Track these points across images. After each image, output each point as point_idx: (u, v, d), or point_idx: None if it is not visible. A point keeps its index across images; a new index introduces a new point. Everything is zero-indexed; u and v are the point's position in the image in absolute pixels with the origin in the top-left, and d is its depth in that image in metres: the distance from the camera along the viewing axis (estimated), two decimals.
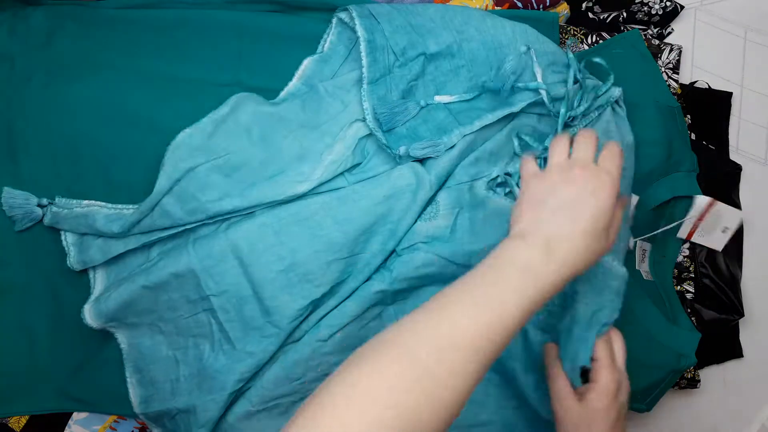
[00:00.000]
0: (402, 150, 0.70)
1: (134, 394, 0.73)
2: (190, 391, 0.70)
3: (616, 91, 0.73)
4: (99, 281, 0.75)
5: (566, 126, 0.74)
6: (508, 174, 0.73)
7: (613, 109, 0.75)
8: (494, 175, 0.72)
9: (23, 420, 0.77)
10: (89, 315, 0.71)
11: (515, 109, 0.70)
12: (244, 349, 0.69)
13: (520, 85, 0.71)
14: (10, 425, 0.77)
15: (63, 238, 0.74)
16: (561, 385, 0.60)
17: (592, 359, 0.61)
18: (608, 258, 0.63)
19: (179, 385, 0.71)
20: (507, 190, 0.73)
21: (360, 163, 0.73)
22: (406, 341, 0.43)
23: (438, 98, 0.73)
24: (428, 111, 0.73)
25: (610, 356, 0.60)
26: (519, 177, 0.71)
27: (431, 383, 0.41)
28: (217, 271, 0.69)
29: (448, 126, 0.71)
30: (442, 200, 0.71)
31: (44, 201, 0.75)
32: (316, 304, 0.69)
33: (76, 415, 0.77)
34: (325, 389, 0.42)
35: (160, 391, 0.72)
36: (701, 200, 0.80)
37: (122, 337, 0.74)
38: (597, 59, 0.73)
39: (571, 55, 0.73)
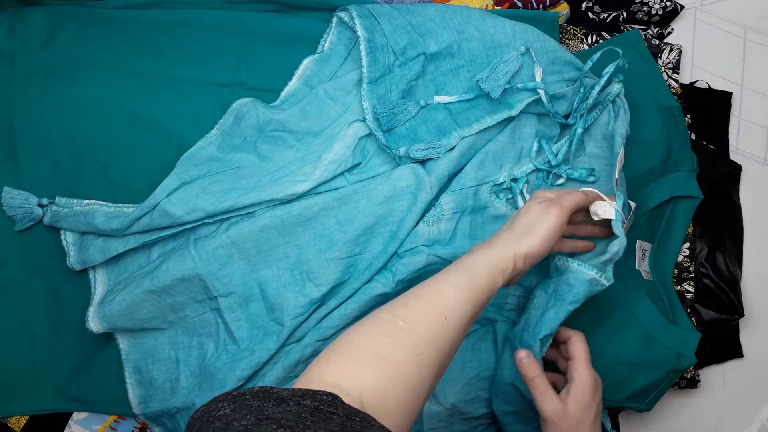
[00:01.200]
0: (402, 151, 0.70)
1: (133, 394, 0.73)
2: (190, 389, 0.70)
3: (615, 88, 0.73)
4: (100, 282, 0.75)
5: (565, 126, 0.74)
6: (513, 180, 0.73)
7: (614, 102, 0.74)
8: (500, 180, 0.73)
9: (23, 420, 0.77)
10: (93, 319, 0.71)
11: (514, 112, 0.71)
12: (247, 348, 0.69)
13: (519, 85, 0.71)
14: (10, 425, 0.77)
15: (63, 237, 0.74)
16: (544, 386, 0.62)
17: (568, 359, 0.64)
18: (574, 263, 0.65)
19: (179, 385, 0.71)
20: (509, 196, 0.73)
21: (360, 163, 0.73)
22: None
23: (438, 98, 0.73)
24: (428, 111, 0.73)
25: (586, 354, 0.63)
26: (525, 183, 0.73)
27: None
28: (224, 274, 0.69)
29: (447, 127, 0.71)
30: (447, 204, 0.71)
31: (44, 201, 0.75)
32: (317, 304, 0.69)
33: (76, 415, 0.77)
34: (328, 348, 0.49)
35: (160, 391, 0.72)
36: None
37: (122, 339, 0.74)
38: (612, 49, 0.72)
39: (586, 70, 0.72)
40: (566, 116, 0.73)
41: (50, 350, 0.76)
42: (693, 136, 0.87)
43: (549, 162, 0.73)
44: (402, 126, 0.72)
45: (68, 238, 0.74)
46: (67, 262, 0.74)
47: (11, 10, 0.80)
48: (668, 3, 0.87)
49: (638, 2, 0.87)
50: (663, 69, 0.86)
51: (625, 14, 0.87)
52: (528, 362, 0.63)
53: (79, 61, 0.78)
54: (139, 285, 0.70)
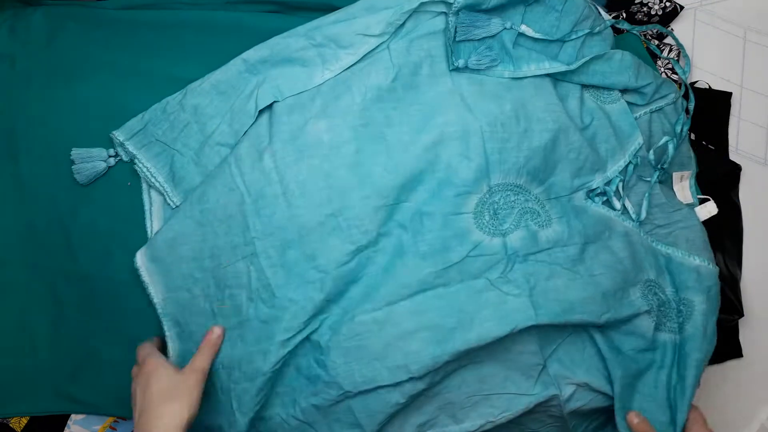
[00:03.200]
0: (461, 62, 0.71)
1: (172, 348, 0.71)
2: (232, 344, 0.69)
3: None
4: (155, 217, 0.75)
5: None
6: (607, 183, 0.75)
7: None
8: (594, 185, 0.75)
9: (24, 420, 0.77)
10: (141, 254, 0.71)
11: (573, 67, 0.73)
12: (285, 296, 0.68)
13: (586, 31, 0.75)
14: (11, 425, 0.77)
15: (154, 180, 0.74)
16: None
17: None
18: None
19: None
20: (604, 198, 0.76)
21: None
22: None
23: (524, 27, 0.74)
24: (503, 36, 0.73)
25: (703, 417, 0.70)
26: (618, 183, 0.76)
27: None
28: (266, 213, 0.69)
29: (505, 59, 0.73)
30: (551, 209, 0.72)
31: (111, 151, 0.76)
32: (362, 254, 0.69)
33: (75, 415, 0.77)
34: None
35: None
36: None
37: (157, 290, 0.72)
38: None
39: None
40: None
41: (50, 350, 0.76)
42: (693, 136, 0.87)
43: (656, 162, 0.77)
44: (475, 41, 0.73)
45: (159, 179, 0.74)
46: (168, 200, 0.74)
47: (12, 11, 0.80)
48: (668, 3, 0.87)
49: (638, 2, 0.87)
50: (662, 69, 0.86)
51: (624, 14, 0.87)
52: (643, 424, 0.67)
53: (79, 61, 0.78)
54: (188, 211, 0.71)
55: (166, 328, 0.72)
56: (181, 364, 0.68)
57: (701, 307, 0.72)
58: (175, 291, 0.72)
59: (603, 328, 0.71)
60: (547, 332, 0.70)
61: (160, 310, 0.72)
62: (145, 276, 0.72)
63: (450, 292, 0.68)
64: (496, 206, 0.70)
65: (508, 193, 0.71)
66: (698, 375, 0.71)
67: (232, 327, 0.69)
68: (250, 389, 0.67)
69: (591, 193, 0.75)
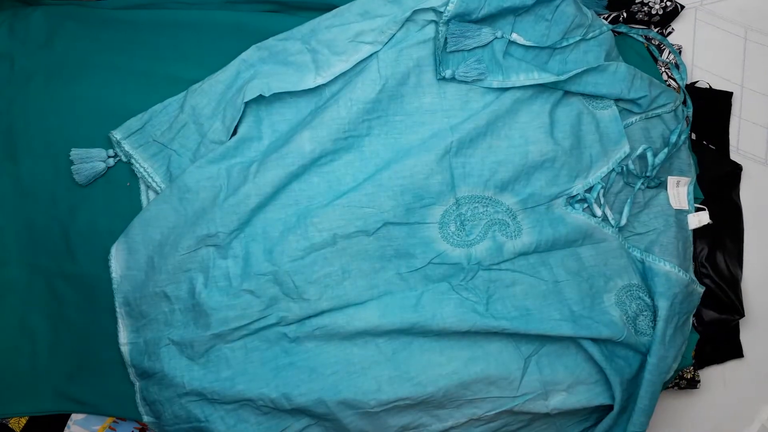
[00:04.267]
0: (448, 73, 0.73)
1: (122, 324, 0.74)
2: (185, 324, 0.72)
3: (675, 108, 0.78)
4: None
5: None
6: (587, 190, 0.76)
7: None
8: (574, 192, 0.75)
9: (23, 420, 0.77)
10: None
11: (563, 77, 0.73)
12: (241, 287, 0.71)
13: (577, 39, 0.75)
14: (10, 425, 0.77)
15: (151, 181, 0.75)
16: None
17: None
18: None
19: (174, 317, 0.73)
20: (585, 205, 0.76)
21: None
22: None
23: (515, 36, 0.74)
24: (494, 46, 0.74)
25: None
26: (599, 190, 0.76)
27: None
28: (236, 210, 0.72)
29: (494, 69, 0.74)
30: (523, 220, 0.73)
31: (110, 152, 0.76)
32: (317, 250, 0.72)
33: (75, 416, 0.77)
34: None
35: (153, 322, 0.73)
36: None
37: (118, 266, 0.74)
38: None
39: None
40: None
41: (50, 351, 0.76)
42: (693, 136, 0.87)
43: (643, 172, 0.77)
44: (465, 52, 0.74)
45: (156, 179, 0.75)
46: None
47: (12, 10, 0.80)
48: (668, 3, 0.87)
49: (638, 2, 0.86)
50: (663, 70, 0.86)
51: (625, 14, 0.87)
52: None
53: (78, 61, 0.78)
54: (167, 197, 0.73)
55: (117, 304, 0.74)
56: (136, 338, 0.73)
57: (663, 313, 0.73)
58: (133, 270, 0.73)
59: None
60: (527, 338, 0.73)
61: (115, 286, 0.74)
62: (113, 250, 0.73)
63: (415, 294, 0.72)
64: (463, 218, 0.73)
65: (476, 204, 0.73)
66: (653, 380, 0.72)
67: (186, 309, 0.72)
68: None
69: (572, 200, 0.75)
